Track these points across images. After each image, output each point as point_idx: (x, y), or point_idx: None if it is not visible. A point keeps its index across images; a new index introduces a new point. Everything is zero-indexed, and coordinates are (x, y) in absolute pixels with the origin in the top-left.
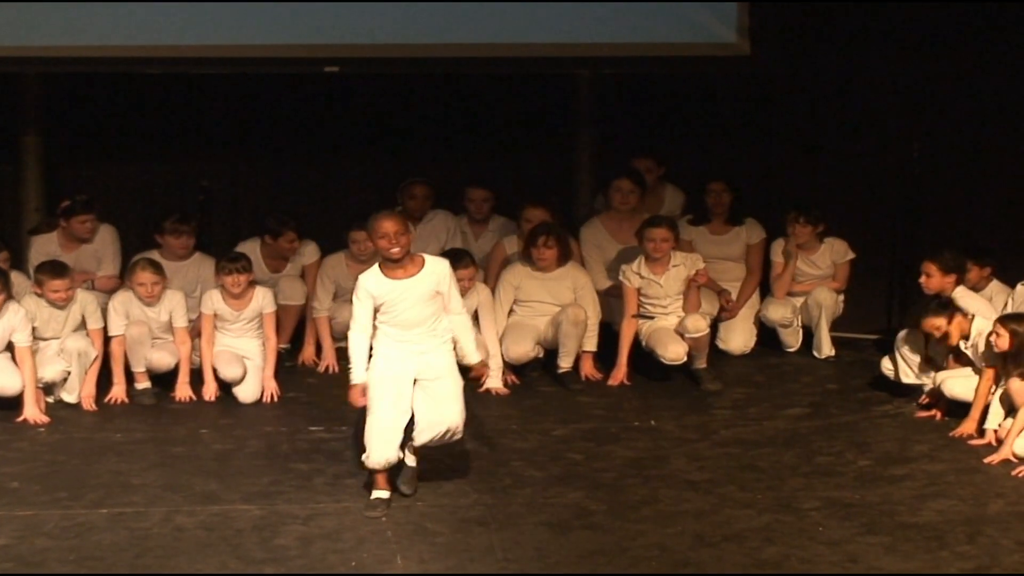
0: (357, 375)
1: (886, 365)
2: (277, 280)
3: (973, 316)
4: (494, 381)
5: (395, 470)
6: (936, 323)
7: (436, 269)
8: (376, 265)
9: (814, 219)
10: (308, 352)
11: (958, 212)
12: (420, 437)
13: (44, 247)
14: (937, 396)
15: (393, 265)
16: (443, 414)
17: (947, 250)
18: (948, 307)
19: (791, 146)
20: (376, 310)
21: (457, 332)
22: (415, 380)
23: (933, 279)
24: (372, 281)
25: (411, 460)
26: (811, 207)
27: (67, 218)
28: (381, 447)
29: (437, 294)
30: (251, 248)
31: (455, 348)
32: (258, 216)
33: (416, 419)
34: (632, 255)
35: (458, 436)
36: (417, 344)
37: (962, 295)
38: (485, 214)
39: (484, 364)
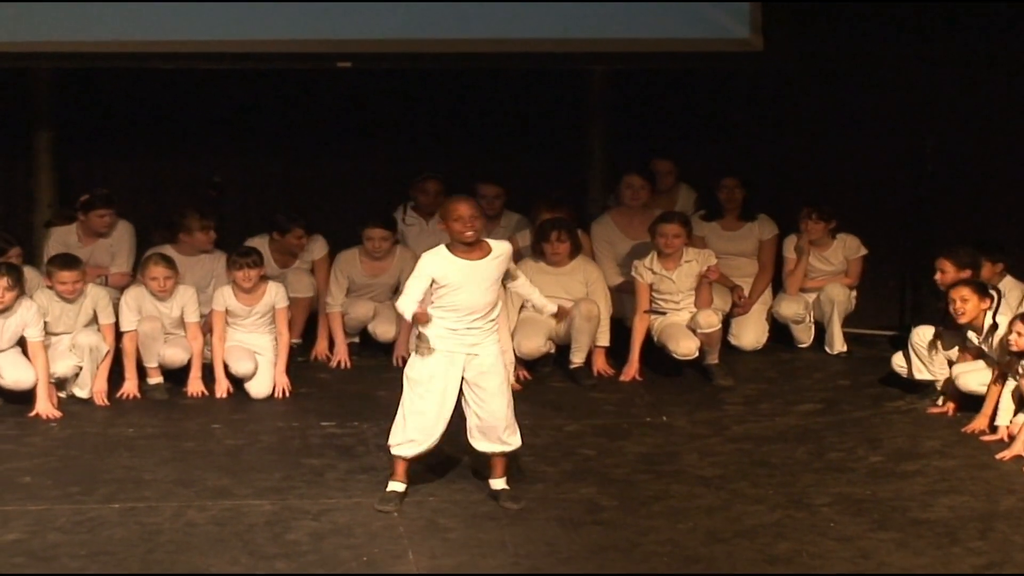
0: (410, 308)
1: (898, 362)
2: (285, 275)
3: (993, 307)
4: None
5: (418, 465)
6: (964, 293)
7: (501, 251)
8: (442, 246)
9: (827, 215)
10: (321, 347)
11: (971, 208)
12: (478, 444)
13: (63, 239)
14: (950, 391)
15: (464, 247)
16: (491, 412)
17: (961, 246)
18: (984, 288)
19: (804, 142)
20: (433, 293)
21: (525, 293)
22: (462, 379)
23: (948, 275)
24: (436, 262)
25: (499, 484)
26: (824, 203)
27: (86, 212)
28: (413, 439)
29: (500, 280)
30: (260, 244)
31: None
32: (268, 211)
33: (468, 423)
34: (644, 251)
35: (514, 434)
36: (468, 335)
37: (1012, 286)
38: (497, 210)
39: (562, 308)
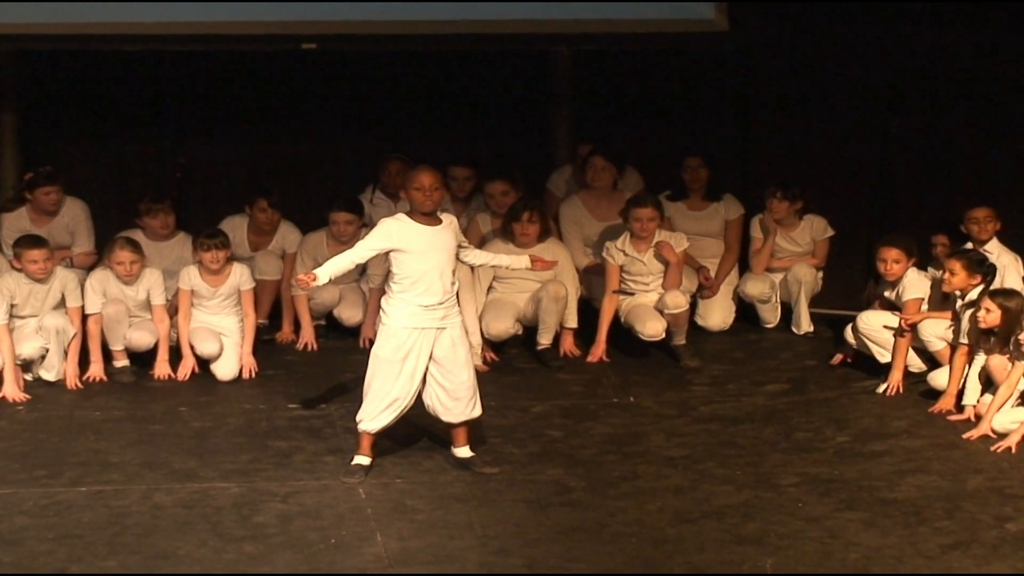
0: (322, 272)
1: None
2: (255, 257)
3: (983, 284)
4: (473, 359)
5: (383, 439)
6: (954, 266)
7: (450, 221)
8: (401, 213)
9: (791, 195)
10: (286, 330)
11: (936, 188)
12: (445, 416)
13: (15, 223)
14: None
15: (422, 216)
16: (459, 383)
17: (900, 234)
18: (975, 264)
19: (769, 122)
20: (395, 262)
21: (488, 260)
22: (430, 355)
23: (901, 264)
24: (397, 226)
25: (465, 452)
26: (791, 183)
27: (31, 190)
28: (380, 415)
29: (455, 249)
30: (239, 224)
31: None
32: (234, 193)
33: (434, 398)
34: (612, 232)
35: (478, 403)
36: (436, 309)
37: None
38: (467, 192)
39: (536, 257)
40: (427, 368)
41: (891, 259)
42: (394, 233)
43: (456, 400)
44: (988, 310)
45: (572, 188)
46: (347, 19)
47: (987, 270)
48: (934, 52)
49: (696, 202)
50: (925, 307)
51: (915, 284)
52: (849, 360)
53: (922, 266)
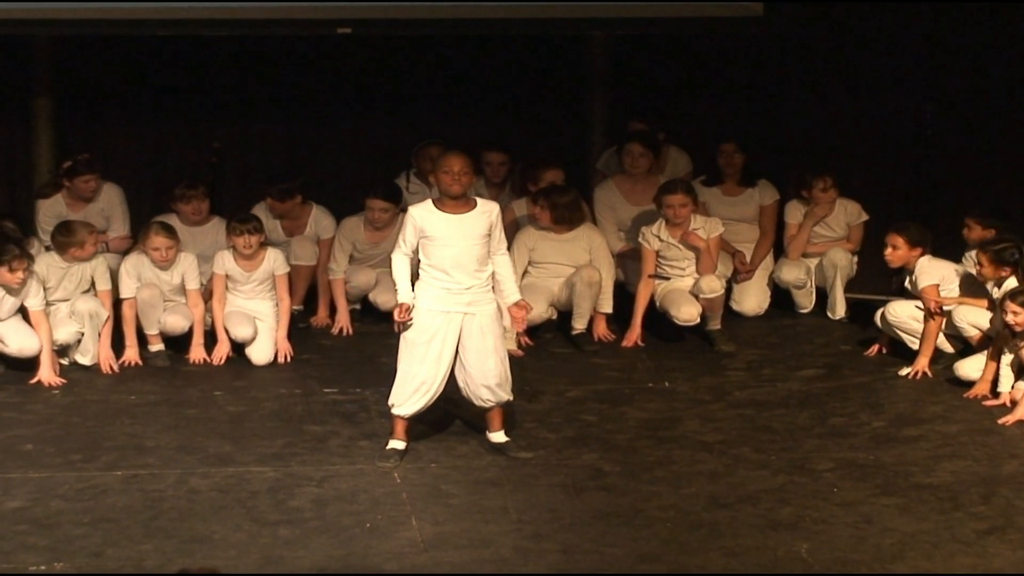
0: (403, 294)
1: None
2: (290, 242)
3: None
4: (508, 343)
5: (418, 424)
6: (981, 258)
7: (488, 209)
8: (429, 200)
9: (836, 184)
10: (321, 314)
11: (971, 174)
12: (475, 400)
13: (52, 210)
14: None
15: (448, 201)
16: (486, 369)
17: (912, 223)
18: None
19: (804, 107)
20: (421, 248)
21: (502, 272)
22: (458, 337)
23: (899, 251)
24: (422, 214)
25: (500, 437)
26: (826, 170)
27: (70, 178)
28: (412, 399)
29: (486, 236)
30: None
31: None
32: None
33: (463, 381)
34: (646, 217)
35: (508, 388)
36: (462, 294)
37: None
38: (502, 177)
39: (523, 304)
40: (456, 353)
41: (891, 244)
42: (417, 220)
43: (483, 387)
44: (1015, 313)
45: (616, 169)
46: (382, 3)
47: (1015, 261)
48: (971, 36)
49: (731, 187)
50: (956, 292)
51: (927, 271)
52: (884, 351)
53: (957, 249)
